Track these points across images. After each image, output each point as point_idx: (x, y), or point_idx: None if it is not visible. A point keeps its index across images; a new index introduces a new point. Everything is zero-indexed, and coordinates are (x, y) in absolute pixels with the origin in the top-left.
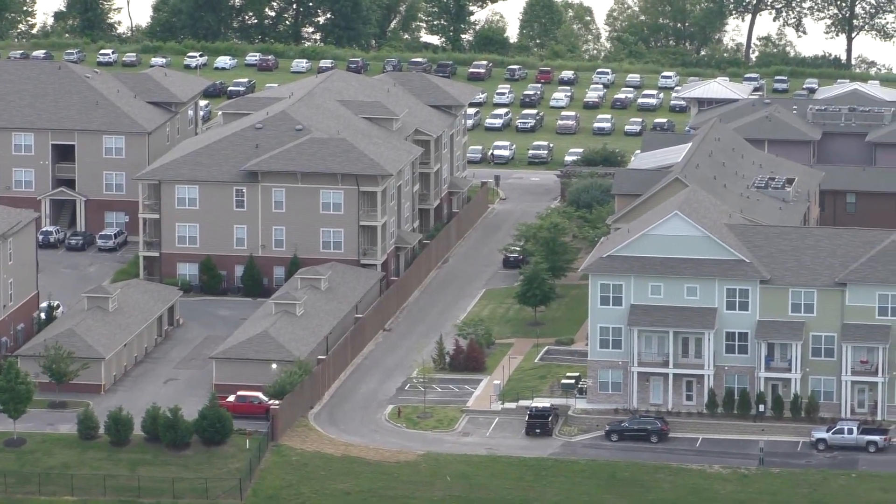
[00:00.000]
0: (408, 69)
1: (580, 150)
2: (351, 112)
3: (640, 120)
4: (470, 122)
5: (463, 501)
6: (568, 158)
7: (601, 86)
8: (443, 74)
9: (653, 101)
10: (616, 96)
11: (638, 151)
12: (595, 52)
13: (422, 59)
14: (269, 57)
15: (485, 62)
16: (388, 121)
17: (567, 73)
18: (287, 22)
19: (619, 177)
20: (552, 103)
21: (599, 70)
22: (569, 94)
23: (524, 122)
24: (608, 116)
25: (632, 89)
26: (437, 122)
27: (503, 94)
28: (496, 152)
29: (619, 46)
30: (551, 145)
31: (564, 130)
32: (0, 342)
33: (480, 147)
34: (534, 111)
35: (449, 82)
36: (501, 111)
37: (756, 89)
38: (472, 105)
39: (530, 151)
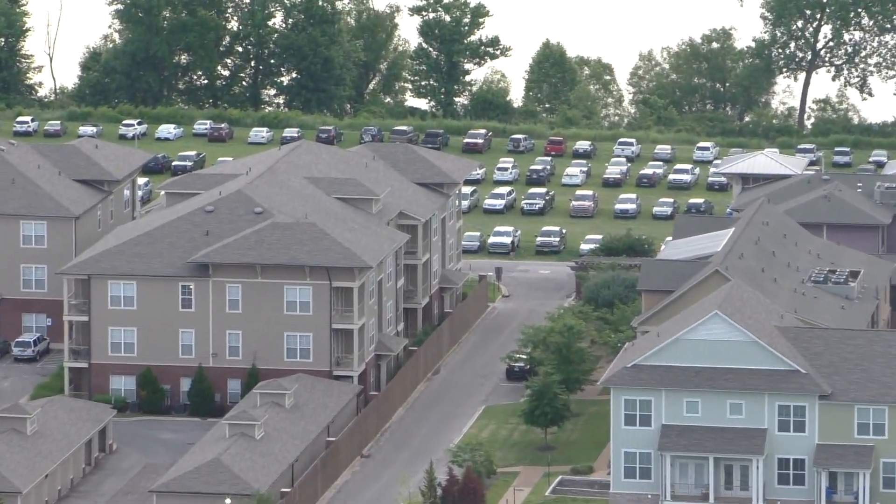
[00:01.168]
0: (390, 139)
1: (599, 236)
2: (321, 191)
3: (671, 200)
4: (466, 204)
5: None
6: (584, 247)
7: (624, 159)
8: (433, 146)
9: (686, 177)
10: (642, 172)
11: (669, 239)
12: (616, 118)
13: (407, 128)
14: (223, 125)
15: (483, 131)
16: (366, 202)
17: (583, 144)
18: (244, 83)
19: (647, 269)
20: (565, 180)
21: (622, 140)
22: (585, 169)
23: (531, 204)
24: (633, 196)
25: (661, 163)
26: (426, 204)
27: (505, 169)
28: (497, 240)
29: (645, 111)
30: (564, 231)
31: (580, 213)
32: None
33: (478, 233)
34: (542, 190)
35: (440, 155)
36: (503, 190)
37: (812, 163)
38: (468, 182)
39: (539, 239)
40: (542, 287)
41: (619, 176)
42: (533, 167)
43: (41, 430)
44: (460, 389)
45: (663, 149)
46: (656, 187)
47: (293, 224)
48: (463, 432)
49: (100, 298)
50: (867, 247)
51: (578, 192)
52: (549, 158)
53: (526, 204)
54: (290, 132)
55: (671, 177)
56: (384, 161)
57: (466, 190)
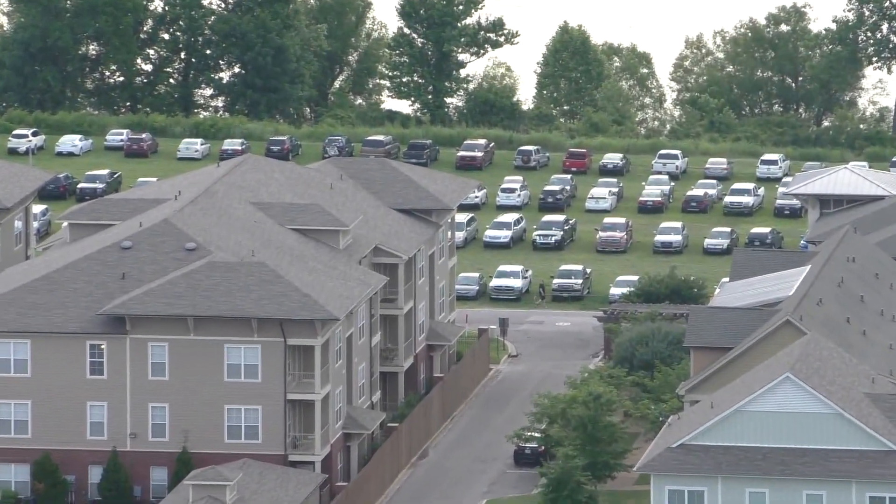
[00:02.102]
0: (363, 153)
1: (634, 277)
2: (273, 221)
3: (727, 230)
4: (461, 236)
5: None
6: (615, 291)
7: (666, 177)
8: (418, 161)
9: (748, 199)
10: (690, 193)
11: (725, 280)
12: (656, 123)
13: (384, 137)
14: (144, 135)
15: (483, 141)
16: (331, 234)
17: (612, 158)
18: (171, 81)
19: (697, 320)
20: (589, 205)
21: (663, 152)
22: (615, 189)
23: (545, 236)
24: (677, 225)
25: (715, 182)
26: (409, 236)
27: (512, 190)
28: (502, 282)
29: (693, 115)
30: (588, 271)
31: (609, 247)
32: None
33: (478, 274)
34: (560, 217)
35: (427, 173)
36: (509, 218)
37: None
38: (463, 208)
39: (555, 280)
40: (560, 344)
41: (659, 199)
42: (548, 188)
43: None
44: (455, 478)
45: (717, 163)
46: (708, 213)
47: (236, 264)
48: None
49: None
50: None
51: (607, 219)
52: (568, 177)
53: (539, 236)
54: (231, 144)
55: (728, 199)
56: (355, 181)
57: (462, 218)
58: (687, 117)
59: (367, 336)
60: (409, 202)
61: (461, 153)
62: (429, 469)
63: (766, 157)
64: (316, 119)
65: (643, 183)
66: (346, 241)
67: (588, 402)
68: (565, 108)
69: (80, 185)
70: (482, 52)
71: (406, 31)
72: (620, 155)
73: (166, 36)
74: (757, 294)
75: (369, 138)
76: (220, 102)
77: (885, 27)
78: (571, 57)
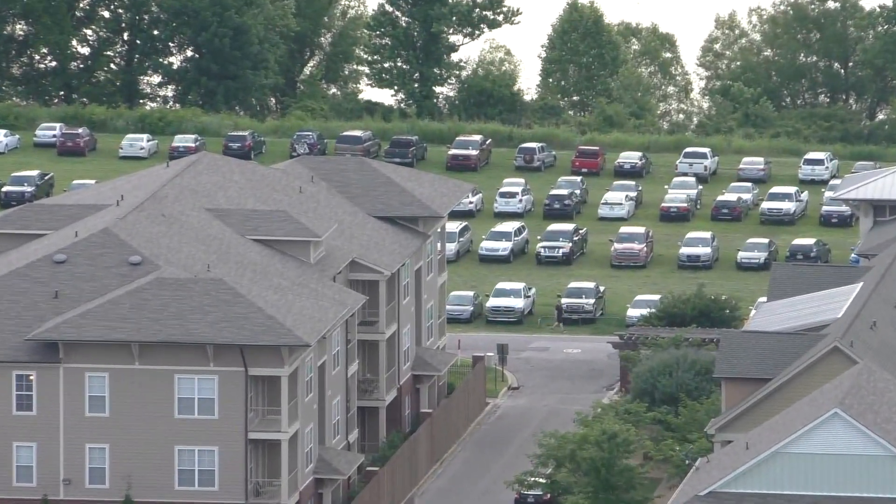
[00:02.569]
0: (337, 151)
1: (655, 297)
2: (232, 230)
3: (764, 241)
4: (452, 248)
5: None
6: (633, 313)
7: (693, 179)
8: (402, 160)
9: (789, 206)
10: (721, 198)
11: (762, 300)
12: (682, 116)
13: (363, 133)
14: (80, 130)
15: (478, 137)
16: (300, 246)
17: (630, 157)
18: (112, 65)
19: (729, 346)
20: (602, 212)
21: (690, 151)
22: (633, 194)
23: (551, 248)
24: (706, 235)
25: (750, 185)
26: (392, 249)
27: (512, 195)
28: (501, 302)
29: (725, 106)
30: (602, 289)
31: (626, 261)
32: None
33: (472, 293)
34: (569, 227)
35: (414, 174)
36: (509, 226)
37: None
38: (455, 216)
39: (564, 300)
40: (568, 374)
41: (685, 205)
42: (554, 192)
43: None
44: None
45: (753, 163)
46: (743, 221)
47: (189, 281)
48: None
49: None
50: None
51: (623, 229)
52: (578, 179)
53: (544, 248)
54: (183, 141)
55: (765, 205)
56: (328, 184)
57: (453, 227)
58: (717, 109)
59: (342, 365)
60: (391, 208)
61: (453, 151)
62: None
63: (811, 155)
64: (282, 111)
65: (666, 186)
66: (318, 254)
67: (601, 443)
68: (574, 98)
69: (4, 189)
70: (477, 33)
71: (388, 8)
72: (639, 154)
73: (106, 14)
74: (799, 316)
75: (345, 134)
76: (169, 92)
77: None
78: (582, 39)
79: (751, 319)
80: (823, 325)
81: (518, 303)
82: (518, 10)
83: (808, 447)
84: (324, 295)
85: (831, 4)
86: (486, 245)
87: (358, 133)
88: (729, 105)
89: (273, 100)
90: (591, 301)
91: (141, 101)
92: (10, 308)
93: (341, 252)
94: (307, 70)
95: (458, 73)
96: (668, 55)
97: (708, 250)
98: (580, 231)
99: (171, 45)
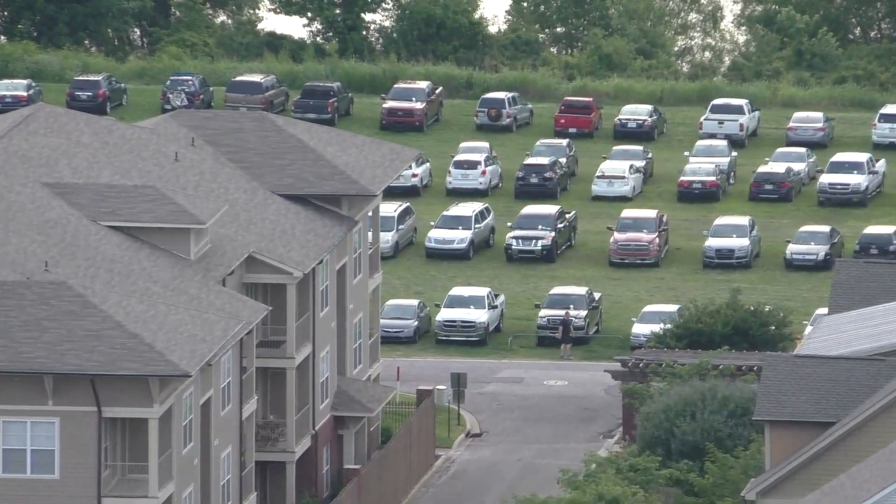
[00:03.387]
0: (228, 103)
1: (671, 307)
2: (80, 213)
3: (824, 230)
4: (389, 239)
5: None
6: (640, 330)
7: (724, 142)
8: (319, 115)
9: (857, 179)
10: (762, 169)
11: (821, 311)
12: (708, 55)
13: (263, 78)
14: None
15: (424, 85)
16: (176, 236)
17: (636, 112)
18: None
19: (776, 377)
20: (598, 188)
21: (719, 103)
22: (641, 164)
23: (526, 239)
24: (742, 221)
25: (804, 151)
26: (305, 240)
27: (472, 164)
28: (456, 314)
29: (769, 41)
30: (597, 296)
31: (631, 257)
32: None
33: (416, 302)
34: (550, 209)
35: (335, 136)
36: (468, 209)
37: None
38: (393, 194)
39: (542, 313)
40: (550, 415)
41: (712, 178)
42: (531, 161)
43: None
44: None
45: (808, 120)
46: (794, 202)
47: (18, 285)
48: None
49: None
50: None
51: (627, 212)
52: (564, 142)
53: (516, 240)
54: (10, 87)
55: (825, 179)
56: (215, 149)
57: (390, 210)
58: (759, 45)
59: (234, 403)
60: (304, 184)
61: (390, 104)
62: None
63: (889, 109)
64: (151, 48)
65: (686, 153)
66: (202, 247)
67: None
68: (559, 30)
69: None
70: None
71: None
72: (649, 108)
73: None
74: (873, 335)
75: (239, 79)
76: None
77: None
78: None
79: (805, 339)
80: None
81: (480, 315)
82: None
83: None
84: (209, 305)
85: None
86: (437, 235)
87: (257, 78)
88: (775, 39)
89: (138, 31)
90: (582, 314)
91: None
92: (37, 325)
93: (234, 245)
94: None
95: None
96: None
97: (745, 242)
98: (567, 215)
99: None
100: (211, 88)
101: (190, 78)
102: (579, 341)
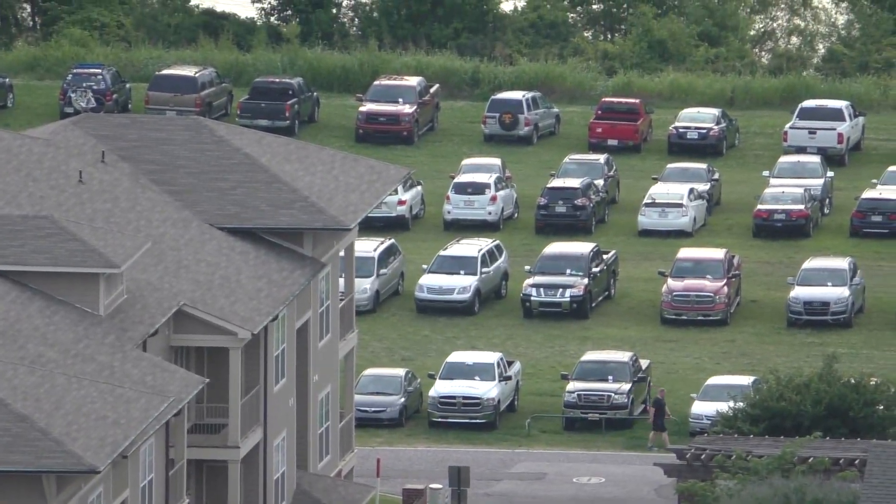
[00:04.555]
0: (150, 105)
1: (744, 379)
2: None
3: None
4: (368, 288)
5: None
6: (703, 409)
7: (817, 158)
8: (274, 121)
9: None
10: (867, 195)
11: None
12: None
13: (199, 71)
14: None
15: (415, 80)
16: (81, 282)
17: (697, 118)
18: None
19: (884, 471)
20: (646, 220)
21: (810, 106)
22: (704, 187)
23: (550, 291)
24: (840, 264)
25: None
26: (256, 289)
27: (479, 188)
28: (456, 388)
29: (878, 21)
30: (645, 364)
31: (689, 310)
32: None
33: (403, 371)
34: (582, 248)
35: (295, 150)
36: (471, 248)
37: None
38: (372, 229)
39: (571, 387)
40: None
41: (800, 207)
42: (556, 184)
43: None
44: None
45: None
46: None
47: None
48: None
49: None
50: None
51: (684, 252)
52: (600, 158)
53: (536, 289)
54: None
55: None
56: (133, 167)
57: (368, 248)
58: (864, 28)
59: None
60: (254, 214)
61: (368, 107)
62: None
63: None
64: (46, 31)
65: (765, 173)
66: (115, 299)
67: None
68: (595, 7)
69: None
70: None
71: None
72: (715, 112)
73: None
74: None
75: (166, 73)
76: None
77: None
78: None
79: None
80: None
81: (489, 390)
82: None
83: None
84: (124, 376)
85: None
86: (431, 282)
87: (190, 72)
88: (886, 20)
89: (28, 7)
90: (625, 387)
91: None
92: None
93: (158, 295)
94: None
95: None
96: None
97: (844, 293)
98: (605, 256)
99: None
100: (128, 85)
101: (99, 71)
102: (621, 425)
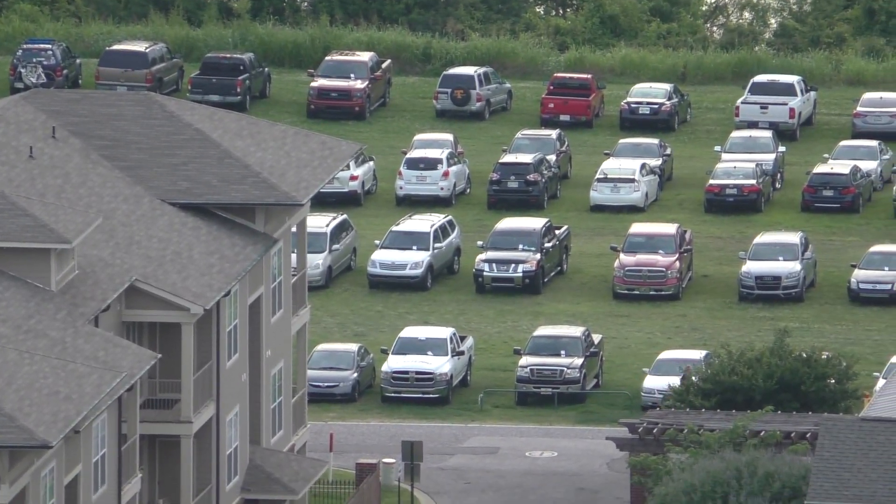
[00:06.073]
0: (101, 80)
1: (695, 353)
2: None
3: None
4: (319, 263)
5: None
6: (654, 383)
7: (768, 133)
8: (226, 97)
9: None
10: (818, 170)
11: None
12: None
13: (149, 46)
14: None
15: (367, 56)
16: (32, 258)
17: (649, 93)
18: None
19: (836, 446)
20: (598, 195)
21: (761, 81)
22: (656, 162)
23: (502, 266)
24: (791, 239)
25: (877, 145)
26: (208, 265)
27: (432, 163)
28: (409, 363)
29: None
30: (598, 338)
31: (642, 285)
32: None
33: (356, 346)
34: (535, 223)
35: (247, 125)
36: (425, 224)
37: None
38: (324, 204)
39: (524, 361)
40: (534, 497)
41: (752, 182)
42: (508, 159)
43: None
44: None
45: (883, 103)
46: (862, 213)
47: None
48: None
49: None
50: None
51: (637, 227)
52: (553, 134)
53: (489, 264)
54: None
55: None
56: (84, 142)
57: (320, 223)
58: (816, 2)
59: (111, 483)
60: (205, 189)
61: (320, 82)
62: None
63: None
64: None
65: (717, 148)
66: (66, 275)
67: None
68: None
69: None
70: None
71: None
72: (667, 88)
73: None
74: None
75: (117, 48)
76: None
77: None
78: None
79: (875, 396)
80: None
81: (441, 365)
82: None
83: None
84: (76, 351)
85: None
86: (383, 258)
87: (140, 47)
88: None
89: None
90: (577, 362)
91: None
92: None
93: (110, 271)
94: None
95: None
96: None
97: (795, 267)
98: (557, 232)
99: None
100: (78, 60)
101: (49, 46)
102: (573, 399)
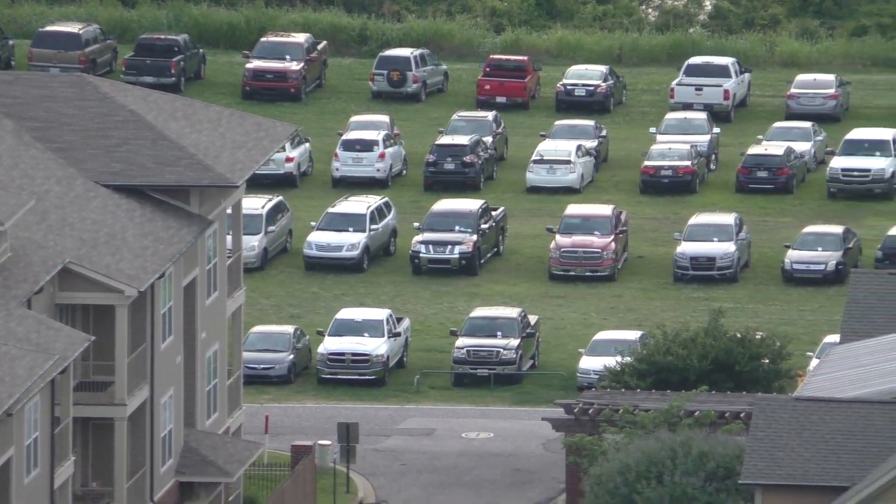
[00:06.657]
0: (35, 60)
1: (630, 334)
2: None
3: (836, 231)
4: (256, 245)
5: None
6: (590, 364)
7: (703, 115)
8: (160, 78)
9: (880, 164)
10: (753, 151)
11: (831, 339)
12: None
13: (82, 28)
14: None
15: (303, 37)
16: None
17: (585, 75)
18: None
19: (769, 425)
20: (534, 176)
21: (696, 62)
22: (592, 144)
23: (438, 248)
24: (725, 219)
25: (809, 126)
26: (142, 246)
27: (368, 144)
28: (344, 345)
29: None
30: (534, 319)
31: (577, 266)
32: None
33: (292, 329)
34: (471, 205)
35: (181, 107)
36: (360, 206)
37: None
38: (259, 186)
39: (460, 342)
40: (471, 479)
41: (686, 163)
42: (444, 140)
43: None
44: None
45: (815, 84)
46: (796, 193)
47: None
48: None
49: None
50: None
51: (572, 208)
52: (489, 116)
53: (425, 246)
54: None
55: (836, 164)
56: (15, 123)
57: (255, 205)
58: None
59: (43, 466)
60: (139, 171)
61: (255, 63)
62: None
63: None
64: None
65: (652, 130)
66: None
67: None
68: None
69: None
70: None
71: None
72: (603, 70)
73: None
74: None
75: (49, 29)
76: None
77: None
78: None
79: (809, 376)
80: None
81: (377, 346)
82: None
83: None
84: (9, 334)
85: None
86: (319, 239)
87: (73, 28)
88: None
89: None
90: (513, 343)
91: None
92: None
93: (42, 253)
94: None
95: None
96: None
97: (730, 248)
98: (493, 213)
99: None
100: (10, 42)
101: None
102: (509, 380)
